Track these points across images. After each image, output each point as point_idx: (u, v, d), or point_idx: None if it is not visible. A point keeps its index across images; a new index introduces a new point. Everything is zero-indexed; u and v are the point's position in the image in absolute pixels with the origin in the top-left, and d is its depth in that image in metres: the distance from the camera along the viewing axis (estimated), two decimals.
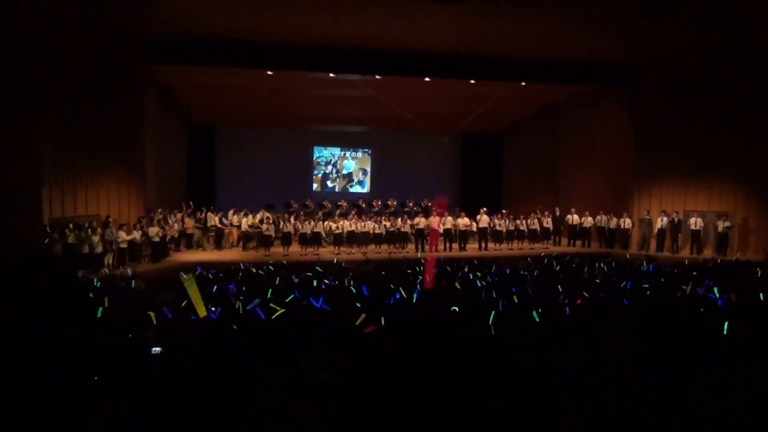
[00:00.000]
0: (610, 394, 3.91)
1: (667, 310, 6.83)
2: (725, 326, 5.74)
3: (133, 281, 10.43)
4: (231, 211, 18.55)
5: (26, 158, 11.75)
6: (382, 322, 5.87)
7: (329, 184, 26.11)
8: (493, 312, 6.41)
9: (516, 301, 7.85)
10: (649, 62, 18.20)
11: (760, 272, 11.32)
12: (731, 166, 17.06)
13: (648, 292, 8.91)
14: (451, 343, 4.94)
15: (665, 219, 17.76)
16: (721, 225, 16.71)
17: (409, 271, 11.60)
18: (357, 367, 3.86)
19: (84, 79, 13.87)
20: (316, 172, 25.98)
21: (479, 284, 9.95)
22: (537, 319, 6.55)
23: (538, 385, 4.00)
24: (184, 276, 7.24)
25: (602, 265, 13.16)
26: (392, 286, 8.95)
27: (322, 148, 26.01)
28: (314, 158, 25.94)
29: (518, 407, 3.55)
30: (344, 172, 26.25)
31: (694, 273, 11.20)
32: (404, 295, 8.02)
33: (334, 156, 26.14)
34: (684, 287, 8.94)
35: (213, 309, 6.78)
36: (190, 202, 18.36)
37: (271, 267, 12.40)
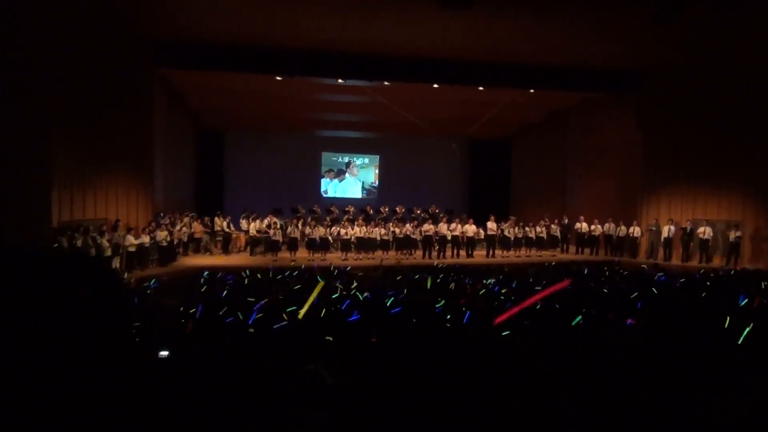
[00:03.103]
0: (615, 404, 3.88)
1: (674, 320, 6.80)
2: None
3: (153, 281, 10.49)
4: (242, 217, 18.60)
5: (37, 160, 11.83)
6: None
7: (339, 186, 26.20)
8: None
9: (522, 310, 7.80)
10: (658, 69, 18.14)
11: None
12: (741, 175, 16.94)
13: (656, 303, 8.85)
14: (457, 348, 4.93)
15: (672, 228, 17.65)
16: (733, 234, 16.58)
17: (416, 277, 11.57)
18: (363, 371, 3.86)
19: (95, 83, 13.95)
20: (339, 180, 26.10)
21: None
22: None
23: (542, 391, 3.98)
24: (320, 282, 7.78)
25: (609, 273, 13.10)
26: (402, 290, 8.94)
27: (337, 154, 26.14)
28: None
29: (521, 414, 3.53)
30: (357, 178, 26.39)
31: (708, 283, 11.12)
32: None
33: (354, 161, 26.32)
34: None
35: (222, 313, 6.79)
36: (192, 215, 18.38)
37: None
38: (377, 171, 26.43)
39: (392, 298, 8.36)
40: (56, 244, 12.43)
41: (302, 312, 6.61)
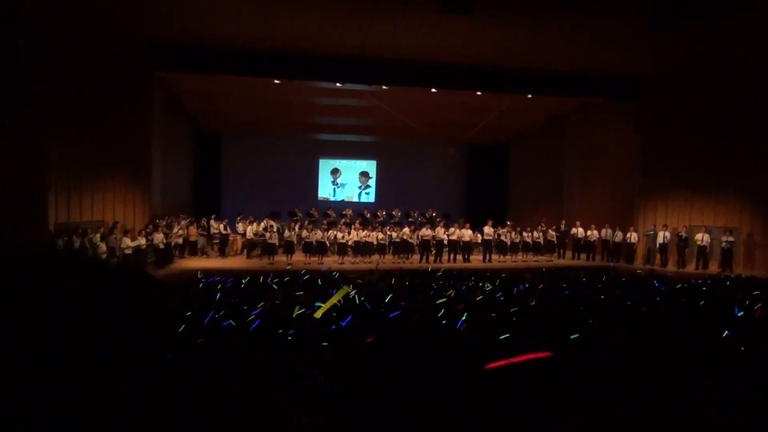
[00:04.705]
0: (606, 409, 3.88)
1: (660, 325, 6.80)
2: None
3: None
4: (237, 219, 18.57)
5: (34, 162, 11.81)
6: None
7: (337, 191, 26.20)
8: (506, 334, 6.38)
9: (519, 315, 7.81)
10: (656, 76, 18.20)
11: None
12: (737, 181, 16.99)
13: (643, 308, 8.85)
14: (453, 354, 4.92)
15: (667, 233, 17.68)
16: (725, 240, 16.62)
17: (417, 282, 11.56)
18: (359, 376, 3.85)
19: (93, 85, 13.95)
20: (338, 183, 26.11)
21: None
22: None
23: (537, 396, 3.97)
24: (346, 288, 7.68)
25: (605, 279, 13.11)
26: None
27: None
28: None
29: (517, 418, 3.53)
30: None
31: (704, 288, 11.11)
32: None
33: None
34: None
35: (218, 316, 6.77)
36: (183, 216, 18.34)
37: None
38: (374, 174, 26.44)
39: (390, 296, 8.39)
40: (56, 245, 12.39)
41: (319, 313, 6.61)
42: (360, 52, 16.34)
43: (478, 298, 9.51)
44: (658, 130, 18.51)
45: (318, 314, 6.57)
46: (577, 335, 6.78)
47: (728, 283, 13.18)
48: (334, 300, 6.88)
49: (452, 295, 9.76)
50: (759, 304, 8.78)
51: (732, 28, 14.03)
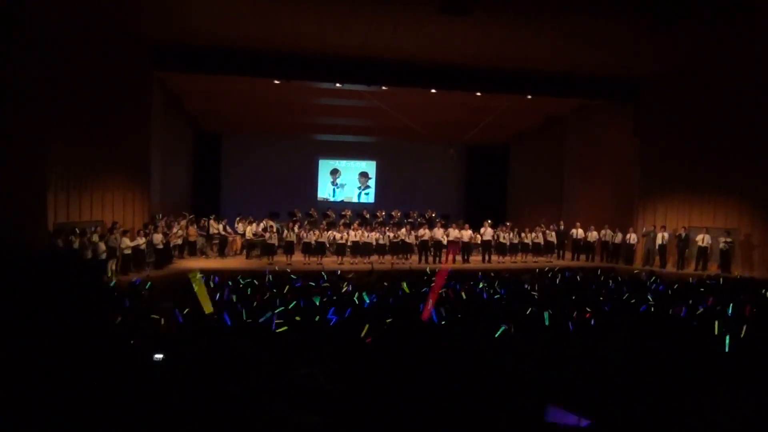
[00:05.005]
0: (606, 409, 3.89)
1: (656, 327, 6.82)
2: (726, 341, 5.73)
3: (147, 285, 10.49)
4: (237, 220, 18.58)
5: (33, 162, 11.80)
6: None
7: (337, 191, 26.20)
8: (503, 327, 6.42)
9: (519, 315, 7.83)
10: (655, 76, 18.19)
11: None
12: (737, 182, 16.97)
13: (642, 308, 8.88)
14: (452, 354, 4.92)
15: (666, 234, 17.68)
16: (722, 241, 16.61)
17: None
18: (358, 376, 3.85)
19: (92, 85, 13.94)
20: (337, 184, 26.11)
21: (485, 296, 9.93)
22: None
23: (536, 396, 3.98)
24: (194, 275, 7.48)
25: (604, 279, 13.13)
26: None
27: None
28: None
29: (516, 419, 3.53)
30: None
31: (702, 290, 11.14)
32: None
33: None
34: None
35: (217, 315, 6.80)
36: (184, 214, 18.35)
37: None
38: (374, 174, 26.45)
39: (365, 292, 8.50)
40: (51, 245, 12.38)
41: (207, 306, 6.75)
42: (360, 53, 16.35)
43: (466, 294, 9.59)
44: (658, 130, 18.49)
45: (207, 309, 6.71)
46: (549, 311, 6.82)
47: (721, 281, 13.26)
48: (201, 290, 7.03)
49: (445, 294, 9.81)
50: (749, 304, 8.82)
51: (732, 28, 14.03)
